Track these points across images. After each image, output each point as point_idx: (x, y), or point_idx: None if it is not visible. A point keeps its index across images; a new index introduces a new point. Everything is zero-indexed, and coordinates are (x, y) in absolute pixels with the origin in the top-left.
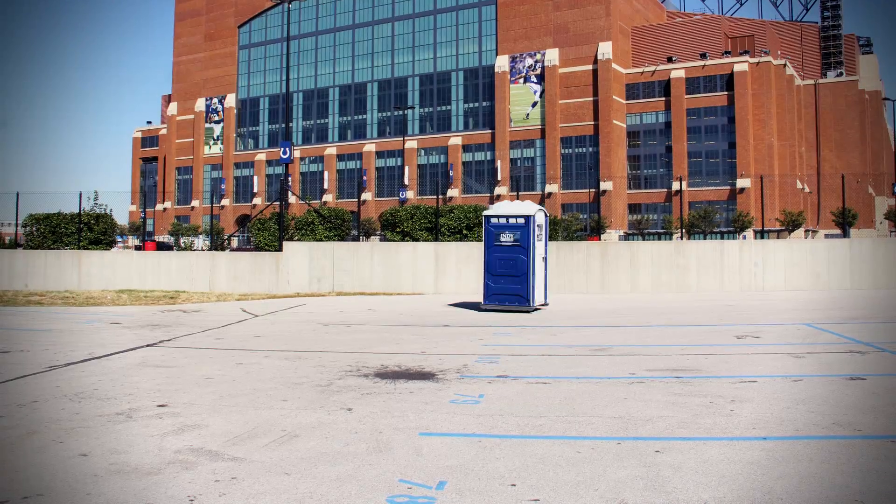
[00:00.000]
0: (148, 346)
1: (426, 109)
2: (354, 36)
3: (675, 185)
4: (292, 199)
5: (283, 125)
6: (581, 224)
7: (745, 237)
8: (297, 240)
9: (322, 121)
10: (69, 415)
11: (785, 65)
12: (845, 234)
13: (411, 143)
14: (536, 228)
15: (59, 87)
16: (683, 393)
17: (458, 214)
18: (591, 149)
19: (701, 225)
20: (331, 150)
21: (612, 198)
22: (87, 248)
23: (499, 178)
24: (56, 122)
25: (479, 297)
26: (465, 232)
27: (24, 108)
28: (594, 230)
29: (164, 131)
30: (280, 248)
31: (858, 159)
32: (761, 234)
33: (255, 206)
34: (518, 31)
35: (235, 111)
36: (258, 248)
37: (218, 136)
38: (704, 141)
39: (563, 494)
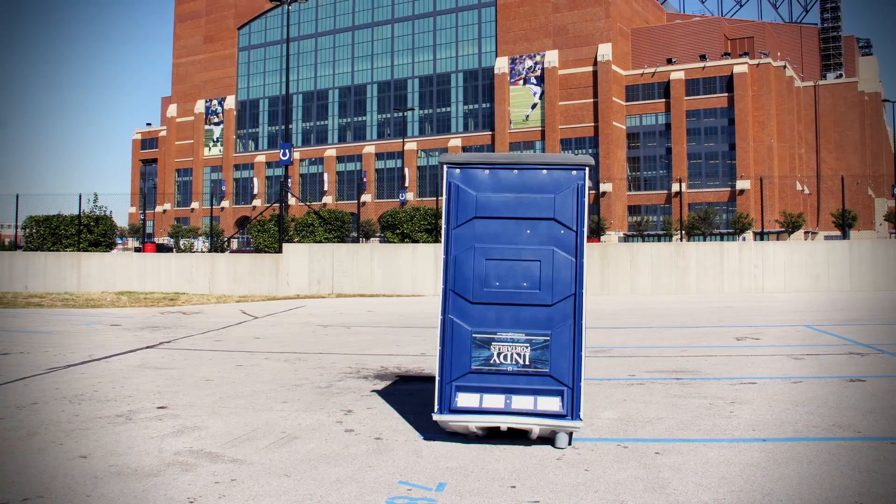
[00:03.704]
0: (148, 347)
1: (426, 111)
2: (354, 38)
3: (675, 187)
4: (292, 200)
5: (283, 127)
6: None
7: (744, 239)
8: (297, 241)
9: (322, 122)
10: (69, 416)
11: (784, 66)
12: (845, 236)
13: (411, 145)
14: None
15: (59, 88)
16: (683, 394)
17: None
18: (590, 150)
19: (701, 226)
20: (330, 152)
21: (611, 199)
22: (87, 250)
23: None
24: (56, 124)
25: None
26: None
27: (24, 110)
28: (594, 231)
29: (163, 133)
30: (280, 250)
31: (858, 161)
32: (761, 235)
33: (254, 207)
34: (517, 33)
35: (235, 113)
36: (258, 250)
37: (218, 138)
38: (704, 142)
39: (562, 496)
